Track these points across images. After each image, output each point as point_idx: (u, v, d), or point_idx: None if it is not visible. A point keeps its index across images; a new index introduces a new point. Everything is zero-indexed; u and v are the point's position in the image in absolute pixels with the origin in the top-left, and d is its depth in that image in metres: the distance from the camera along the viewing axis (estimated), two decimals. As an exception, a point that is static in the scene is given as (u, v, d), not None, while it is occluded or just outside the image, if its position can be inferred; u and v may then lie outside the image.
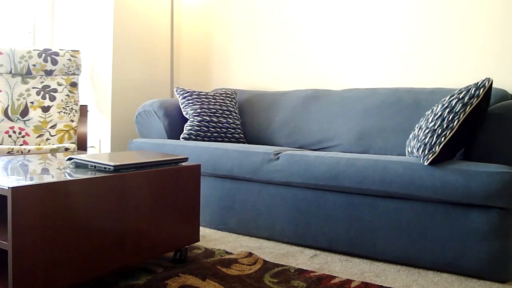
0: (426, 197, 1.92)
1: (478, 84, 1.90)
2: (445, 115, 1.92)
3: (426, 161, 1.90)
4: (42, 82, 3.19)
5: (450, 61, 2.71)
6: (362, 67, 3.02)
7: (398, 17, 2.89)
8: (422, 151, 1.93)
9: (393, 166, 1.99)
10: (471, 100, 1.87)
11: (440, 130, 1.90)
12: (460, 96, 1.92)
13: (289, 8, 3.34)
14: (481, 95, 1.87)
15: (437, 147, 1.88)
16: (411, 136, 2.14)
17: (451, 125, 1.88)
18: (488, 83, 1.88)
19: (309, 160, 2.22)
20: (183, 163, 1.97)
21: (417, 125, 2.14)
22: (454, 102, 1.93)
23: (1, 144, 2.90)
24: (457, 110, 1.89)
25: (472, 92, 1.89)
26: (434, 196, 1.90)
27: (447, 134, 1.87)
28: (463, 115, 1.86)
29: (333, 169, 2.13)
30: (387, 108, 2.62)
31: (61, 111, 3.14)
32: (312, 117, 2.89)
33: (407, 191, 1.95)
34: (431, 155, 1.89)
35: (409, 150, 2.11)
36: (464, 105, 1.88)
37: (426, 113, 2.10)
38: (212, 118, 2.97)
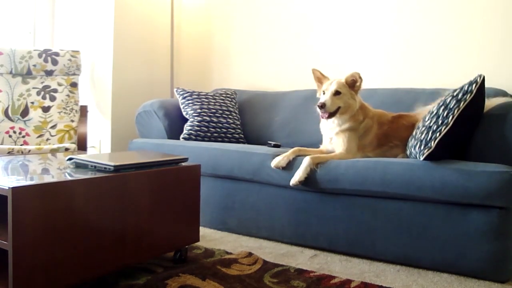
0: (426, 197, 1.92)
1: (471, 81, 1.93)
2: (440, 113, 1.95)
3: (422, 156, 1.91)
4: (42, 82, 3.20)
5: (450, 62, 2.71)
6: (362, 67, 3.02)
7: (399, 18, 2.89)
8: (419, 147, 1.95)
9: (392, 167, 1.99)
10: (465, 96, 1.91)
11: (435, 127, 1.92)
12: (454, 94, 1.96)
13: (289, 8, 3.34)
14: (474, 91, 1.90)
15: (432, 142, 1.89)
16: (410, 137, 2.15)
17: (445, 121, 1.90)
18: (480, 78, 1.92)
19: None
20: (183, 163, 1.97)
21: (416, 126, 2.14)
22: (448, 100, 1.96)
23: (1, 144, 2.90)
24: (451, 107, 1.92)
25: (466, 88, 1.93)
26: (434, 196, 1.89)
27: (442, 130, 1.88)
28: (457, 111, 1.89)
29: (333, 172, 2.13)
30: (387, 108, 2.61)
31: (61, 111, 3.14)
32: (312, 117, 2.88)
33: (407, 192, 1.94)
34: (426, 150, 1.90)
35: (408, 152, 2.12)
36: (458, 101, 1.91)
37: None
38: (212, 118, 2.97)
